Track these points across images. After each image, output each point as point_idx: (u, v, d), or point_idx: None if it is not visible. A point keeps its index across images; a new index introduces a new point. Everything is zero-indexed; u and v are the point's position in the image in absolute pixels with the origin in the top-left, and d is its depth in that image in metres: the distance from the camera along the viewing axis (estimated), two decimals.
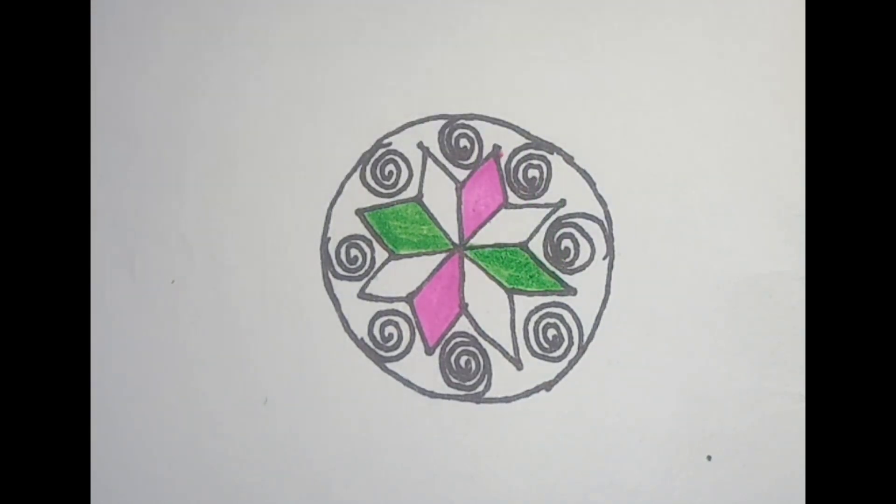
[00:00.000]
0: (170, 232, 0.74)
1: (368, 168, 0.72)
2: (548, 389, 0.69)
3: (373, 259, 0.72)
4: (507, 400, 0.69)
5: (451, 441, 0.70)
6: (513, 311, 0.70)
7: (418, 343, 0.71)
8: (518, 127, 0.70)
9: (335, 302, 0.72)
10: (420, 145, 0.71)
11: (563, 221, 0.69)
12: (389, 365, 0.71)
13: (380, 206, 0.72)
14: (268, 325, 0.73)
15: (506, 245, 0.70)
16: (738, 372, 0.66)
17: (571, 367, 0.69)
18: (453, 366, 0.70)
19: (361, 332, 0.72)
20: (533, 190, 0.70)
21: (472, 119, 0.70)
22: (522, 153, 0.70)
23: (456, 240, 0.71)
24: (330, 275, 0.72)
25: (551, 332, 0.69)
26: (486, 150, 0.70)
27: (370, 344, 0.71)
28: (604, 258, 0.68)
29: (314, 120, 0.73)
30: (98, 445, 0.74)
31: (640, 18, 0.68)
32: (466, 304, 0.70)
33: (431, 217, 0.71)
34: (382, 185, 0.72)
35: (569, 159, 0.69)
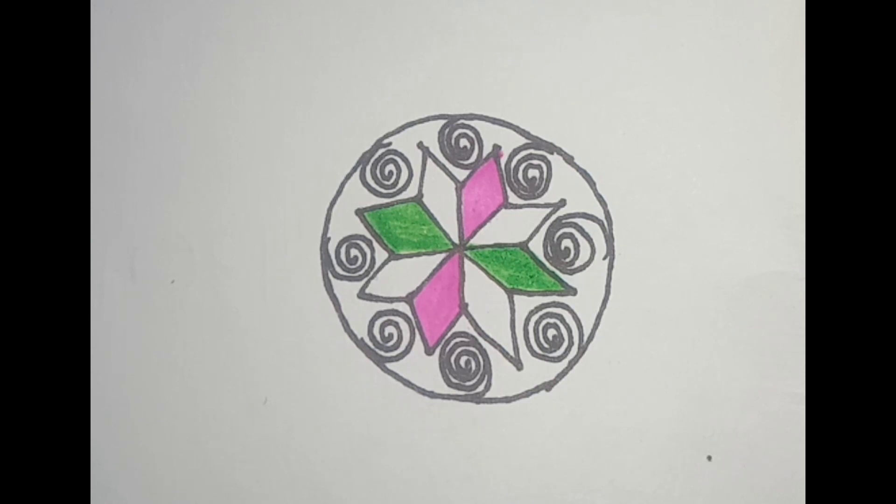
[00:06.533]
0: (170, 232, 0.74)
1: (368, 168, 0.72)
2: (548, 389, 0.69)
3: (373, 259, 0.72)
4: (507, 400, 0.69)
5: (451, 441, 0.70)
6: (513, 311, 0.70)
7: (418, 343, 0.71)
8: (518, 127, 0.70)
9: (335, 302, 0.72)
10: (420, 145, 0.71)
11: (563, 221, 0.69)
12: (389, 365, 0.71)
13: (380, 206, 0.72)
14: (268, 324, 0.73)
15: (506, 245, 0.70)
16: (738, 372, 0.66)
17: (571, 367, 0.69)
18: (453, 366, 0.70)
19: (361, 332, 0.72)
20: (533, 190, 0.70)
21: (472, 119, 0.70)
22: (522, 153, 0.70)
23: (456, 240, 0.71)
24: (330, 275, 0.72)
25: (551, 332, 0.69)
26: (486, 150, 0.70)
27: (370, 344, 0.71)
28: (604, 258, 0.68)
29: (314, 120, 0.73)
30: (98, 445, 0.74)
31: (640, 18, 0.68)
32: (466, 304, 0.70)
33: (431, 217, 0.71)
34: (382, 185, 0.72)
35: (569, 159, 0.69)
